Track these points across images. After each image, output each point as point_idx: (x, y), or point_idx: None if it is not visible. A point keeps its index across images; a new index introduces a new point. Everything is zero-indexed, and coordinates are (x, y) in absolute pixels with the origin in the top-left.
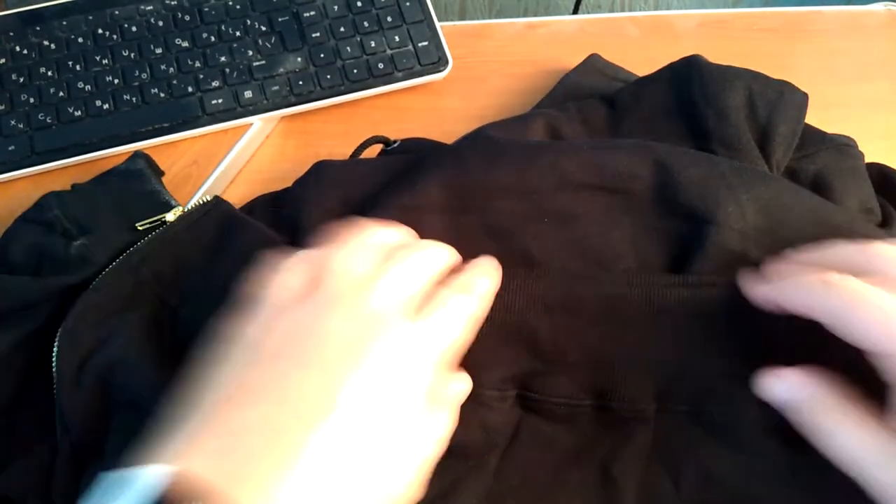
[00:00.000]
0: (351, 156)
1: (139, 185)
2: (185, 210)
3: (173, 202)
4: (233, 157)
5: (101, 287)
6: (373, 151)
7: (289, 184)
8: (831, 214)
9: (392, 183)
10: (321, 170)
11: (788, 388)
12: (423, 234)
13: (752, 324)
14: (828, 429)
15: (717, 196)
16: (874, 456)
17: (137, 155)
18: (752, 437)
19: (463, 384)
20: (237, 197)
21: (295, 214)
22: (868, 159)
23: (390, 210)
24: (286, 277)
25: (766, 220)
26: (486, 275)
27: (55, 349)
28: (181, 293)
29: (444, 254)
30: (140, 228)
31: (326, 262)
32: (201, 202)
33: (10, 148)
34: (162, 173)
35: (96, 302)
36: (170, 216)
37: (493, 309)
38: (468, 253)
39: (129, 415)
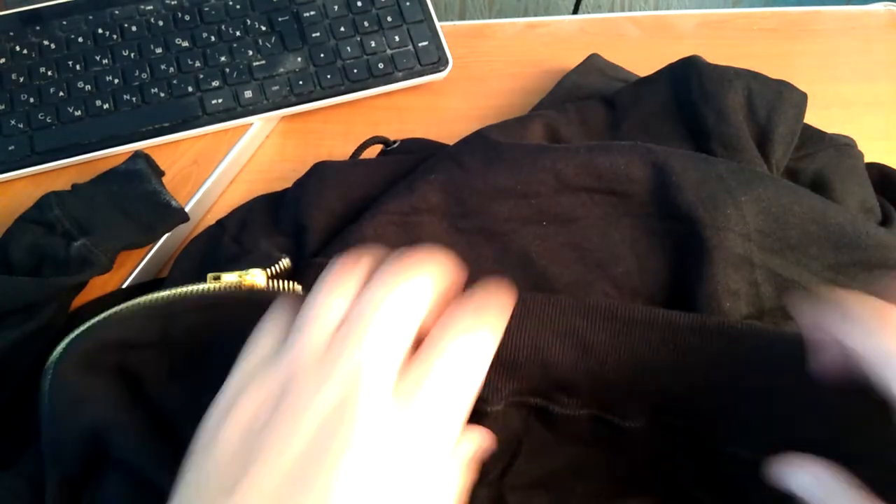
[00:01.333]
0: (351, 156)
1: (139, 185)
2: (264, 286)
3: (174, 202)
4: (233, 157)
5: (112, 324)
6: (373, 151)
7: (289, 184)
8: (832, 213)
9: (391, 187)
10: (321, 170)
11: (802, 477)
12: (424, 239)
13: (762, 370)
14: None
15: (716, 198)
16: None
17: (137, 155)
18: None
19: (471, 444)
20: (237, 197)
21: (295, 215)
22: (868, 159)
23: (389, 215)
24: (256, 386)
25: (766, 221)
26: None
27: (48, 381)
28: (197, 366)
29: (431, 281)
30: (210, 278)
31: (296, 360)
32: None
33: (10, 148)
34: (162, 173)
35: (106, 339)
36: (258, 279)
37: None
38: (468, 258)
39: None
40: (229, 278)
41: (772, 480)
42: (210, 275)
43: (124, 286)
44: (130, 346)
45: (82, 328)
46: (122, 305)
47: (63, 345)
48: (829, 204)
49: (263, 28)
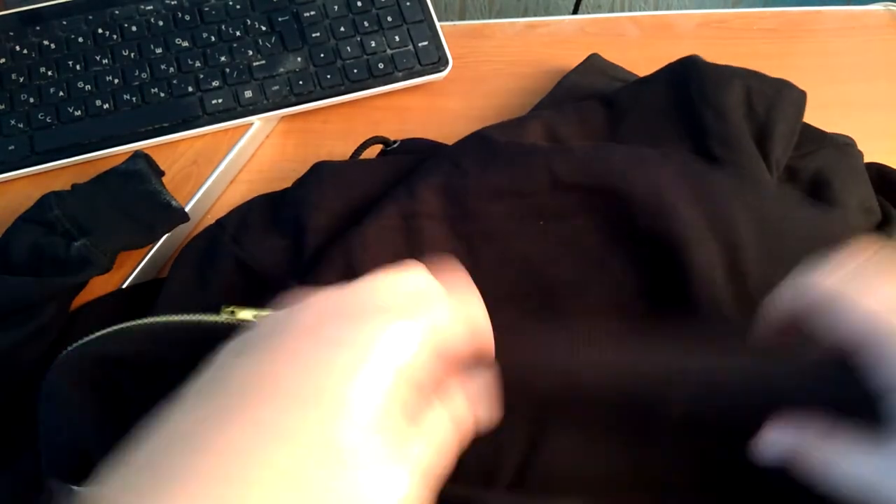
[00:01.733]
0: (351, 156)
1: (139, 186)
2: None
3: (173, 202)
4: (233, 157)
5: (110, 341)
6: (373, 151)
7: (289, 184)
8: (828, 225)
9: (390, 189)
10: (321, 170)
11: (774, 442)
12: (424, 241)
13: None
14: (823, 464)
15: (706, 212)
16: (871, 476)
17: (137, 155)
18: None
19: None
20: (237, 197)
21: (295, 215)
22: (867, 159)
23: (391, 220)
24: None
25: (757, 234)
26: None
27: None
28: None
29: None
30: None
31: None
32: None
33: (10, 147)
34: (162, 173)
35: (102, 354)
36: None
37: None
38: (468, 260)
39: None
40: (245, 314)
41: (758, 460)
42: (225, 308)
43: (124, 286)
44: (125, 364)
45: (80, 342)
46: (126, 324)
47: (58, 357)
48: (824, 214)
49: (263, 28)
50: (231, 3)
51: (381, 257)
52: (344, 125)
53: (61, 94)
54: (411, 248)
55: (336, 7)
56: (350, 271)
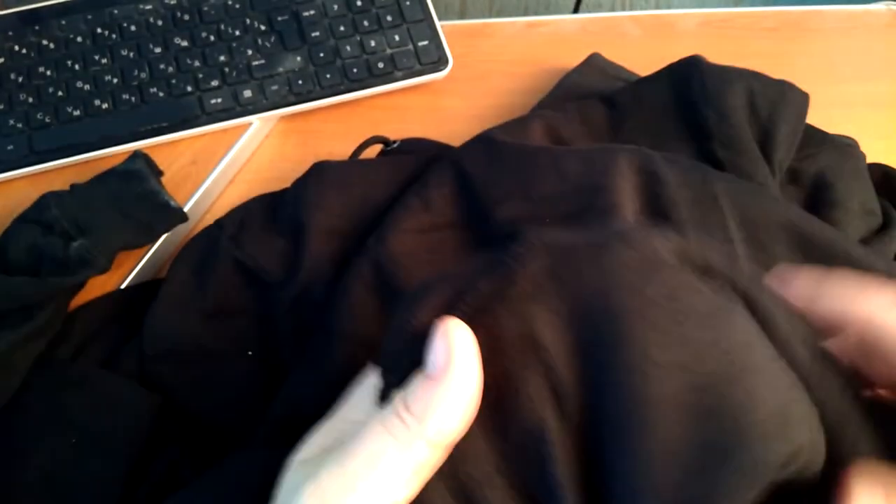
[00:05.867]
0: (351, 156)
1: (138, 185)
2: None
3: (172, 202)
4: (232, 157)
5: None
6: (373, 151)
7: (288, 184)
8: (823, 236)
9: (401, 198)
10: (320, 170)
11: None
12: (444, 251)
13: None
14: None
15: (705, 221)
16: None
17: (136, 155)
18: None
19: None
20: (236, 197)
21: (294, 215)
22: (869, 159)
23: (411, 234)
24: None
25: (755, 249)
26: None
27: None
28: None
29: None
30: None
31: None
32: None
33: (8, 147)
34: (161, 173)
35: None
36: None
37: None
38: None
39: None
40: None
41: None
42: None
43: (123, 286)
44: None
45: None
46: None
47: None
48: (824, 227)
49: (263, 27)
50: (230, 2)
51: (412, 270)
52: (344, 125)
53: (60, 93)
54: (433, 258)
55: (336, 6)
56: (382, 285)
